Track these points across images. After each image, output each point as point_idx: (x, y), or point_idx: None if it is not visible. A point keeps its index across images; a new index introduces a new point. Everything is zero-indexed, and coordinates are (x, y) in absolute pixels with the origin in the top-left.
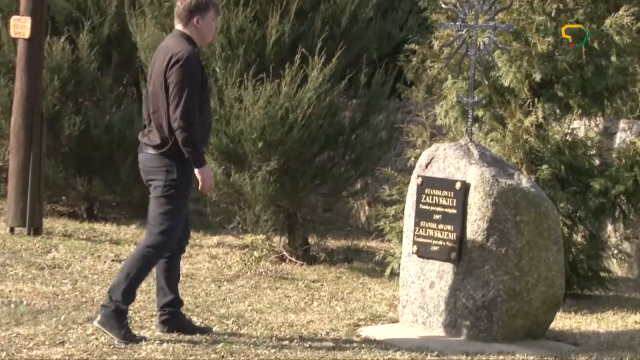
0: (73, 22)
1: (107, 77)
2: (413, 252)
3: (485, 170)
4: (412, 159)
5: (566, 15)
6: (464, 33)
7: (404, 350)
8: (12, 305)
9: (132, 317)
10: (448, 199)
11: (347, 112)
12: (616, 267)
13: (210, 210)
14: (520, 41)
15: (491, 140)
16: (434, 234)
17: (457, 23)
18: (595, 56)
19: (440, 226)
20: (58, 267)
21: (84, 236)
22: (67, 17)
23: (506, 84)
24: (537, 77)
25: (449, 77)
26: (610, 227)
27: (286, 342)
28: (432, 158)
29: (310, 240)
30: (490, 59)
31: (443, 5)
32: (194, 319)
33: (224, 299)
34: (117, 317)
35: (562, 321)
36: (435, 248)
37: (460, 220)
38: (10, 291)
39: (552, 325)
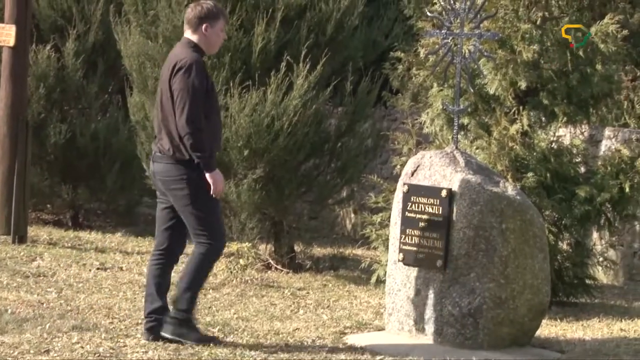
0: (58, 30)
1: (93, 85)
2: (399, 260)
3: (471, 178)
4: (398, 166)
5: (551, 23)
6: (449, 41)
7: (390, 358)
8: None
9: (117, 326)
10: (434, 207)
11: (332, 119)
12: (602, 275)
13: None
14: (505, 49)
15: (477, 148)
16: (420, 241)
17: (443, 31)
18: (581, 64)
19: (426, 234)
20: (43, 275)
21: (69, 244)
22: (52, 25)
23: (492, 92)
24: (523, 85)
25: (435, 85)
26: (595, 235)
27: (272, 350)
28: (418, 166)
29: (296, 248)
30: (476, 66)
31: (428, 14)
32: None
33: (209, 307)
34: (187, 324)
35: (548, 328)
36: (421, 256)
37: (446, 227)
38: None
39: (537, 332)
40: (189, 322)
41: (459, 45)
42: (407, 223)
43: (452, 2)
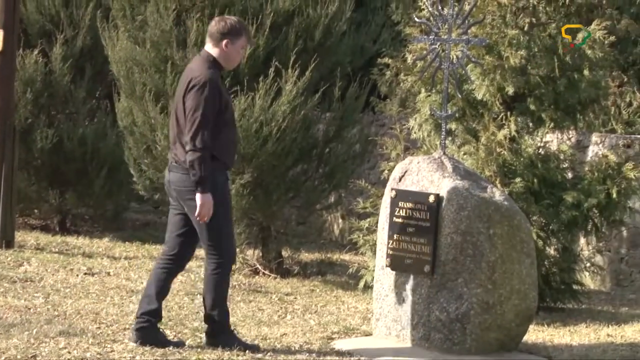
0: (46, 35)
1: (80, 90)
2: (387, 265)
3: (458, 183)
4: (386, 172)
5: (539, 29)
6: (437, 47)
7: None
8: None
9: (104, 331)
10: (421, 212)
11: (321, 125)
12: (589, 280)
13: None
14: (493, 55)
15: (464, 154)
16: (407, 247)
17: (431, 37)
18: (568, 70)
19: (414, 239)
20: (30, 280)
21: (57, 249)
22: (40, 30)
23: (479, 98)
24: (510, 90)
25: (423, 90)
26: (582, 240)
27: (259, 356)
28: (406, 171)
29: (284, 253)
30: (464, 72)
31: (416, 19)
32: (167, 332)
33: (197, 312)
34: (225, 335)
35: (535, 334)
36: (408, 261)
37: (433, 233)
38: None
39: (525, 338)
40: (226, 333)
41: (446, 51)
42: (394, 228)
43: (439, 8)
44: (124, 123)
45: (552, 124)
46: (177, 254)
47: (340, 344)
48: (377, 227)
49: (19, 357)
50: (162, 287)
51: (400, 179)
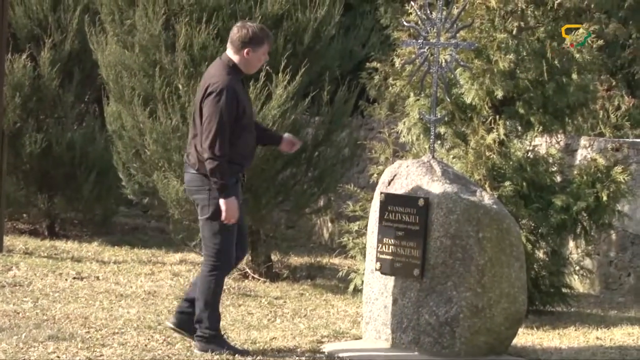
0: (34, 39)
1: (69, 94)
2: (376, 269)
3: (447, 187)
4: (375, 175)
5: (527, 33)
6: (426, 50)
7: None
8: None
9: (93, 335)
10: (411, 216)
11: (310, 129)
12: (578, 284)
13: (172, 228)
14: (481, 59)
15: (453, 157)
16: (396, 250)
17: (419, 41)
18: (556, 74)
19: (403, 243)
20: (19, 285)
21: (45, 254)
22: (28, 34)
23: (468, 101)
24: (499, 94)
25: (411, 94)
26: (572, 244)
27: (249, 359)
28: (395, 175)
29: (273, 257)
30: (452, 76)
31: (405, 23)
32: (156, 336)
33: None
34: (215, 340)
35: (525, 337)
36: (398, 265)
37: (422, 237)
38: None
39: (514, 341)
40: (216, 338)
41: (435, 55)
42: (384, 232)
43: (428, 11)
44: (113, 127)
45: (541, 128)
46: None
47: (330, 348)
48: (366, 230)
49: None
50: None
51: (389, 183)
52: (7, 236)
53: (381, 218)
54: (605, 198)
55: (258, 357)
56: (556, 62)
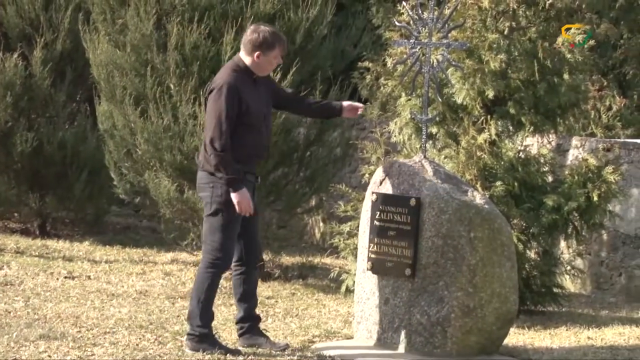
0: (26, 39)
1: (61, 94)
2: (368, 269)
3: (439, 186)
4: (367, 175)
5: (519, 33)
6: (417, 50)
7: None
8: None
9: (84, 335)
10: (402, 216)
11: (301, 128)
12: (569, 284)
13: (164, 227)
14: (473, 59)
15: (445, 157)
16: (388, 250)
17: (411, 41)
18: (548, 74)
19: (395, 242)
20: (10, 284)
21: (37, 253)
22: (20, 34)
23: (459, 101)
24: (490, 94)
25: (403, 94)
26: (563, 244)
27: (240, 359)
28: (387, 175)
29: (265, 257)
30: (444, 76)
31: (397, 23)
32: (148, 336)
33: (178, 316)
34: (206, 340)
35: (516, 337)
36: (389, 264)
37: (414, 236)
38: None
39: (505, 341)
40: (207, 337)
41: (427, 55)
42: (375, 232)
43: (420, 12)
44: (104, 126)
45: (532, 128)
46: (240, 258)
47: (322, 348)
48: (358, 230)
49: None
50: (240, 293)
51: (381, 183)
52: None
53: (373, 218)
54: (596, 198)
55: (249, 357)
56: (547, 62)
